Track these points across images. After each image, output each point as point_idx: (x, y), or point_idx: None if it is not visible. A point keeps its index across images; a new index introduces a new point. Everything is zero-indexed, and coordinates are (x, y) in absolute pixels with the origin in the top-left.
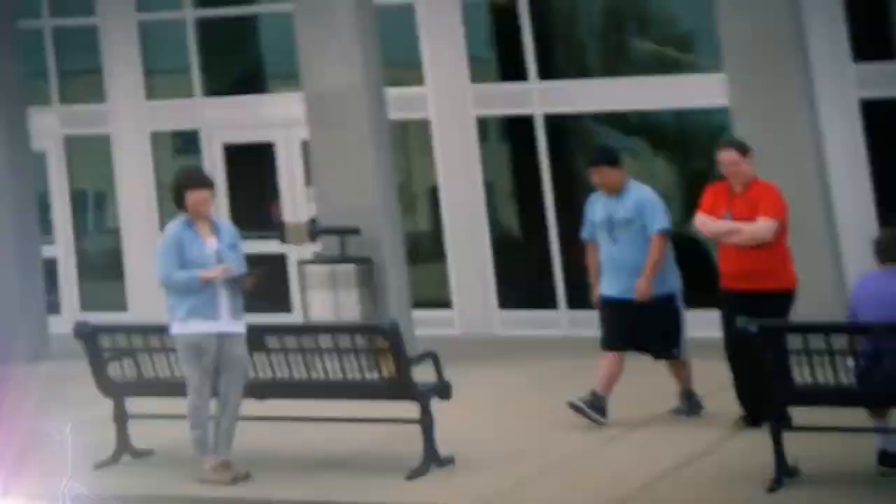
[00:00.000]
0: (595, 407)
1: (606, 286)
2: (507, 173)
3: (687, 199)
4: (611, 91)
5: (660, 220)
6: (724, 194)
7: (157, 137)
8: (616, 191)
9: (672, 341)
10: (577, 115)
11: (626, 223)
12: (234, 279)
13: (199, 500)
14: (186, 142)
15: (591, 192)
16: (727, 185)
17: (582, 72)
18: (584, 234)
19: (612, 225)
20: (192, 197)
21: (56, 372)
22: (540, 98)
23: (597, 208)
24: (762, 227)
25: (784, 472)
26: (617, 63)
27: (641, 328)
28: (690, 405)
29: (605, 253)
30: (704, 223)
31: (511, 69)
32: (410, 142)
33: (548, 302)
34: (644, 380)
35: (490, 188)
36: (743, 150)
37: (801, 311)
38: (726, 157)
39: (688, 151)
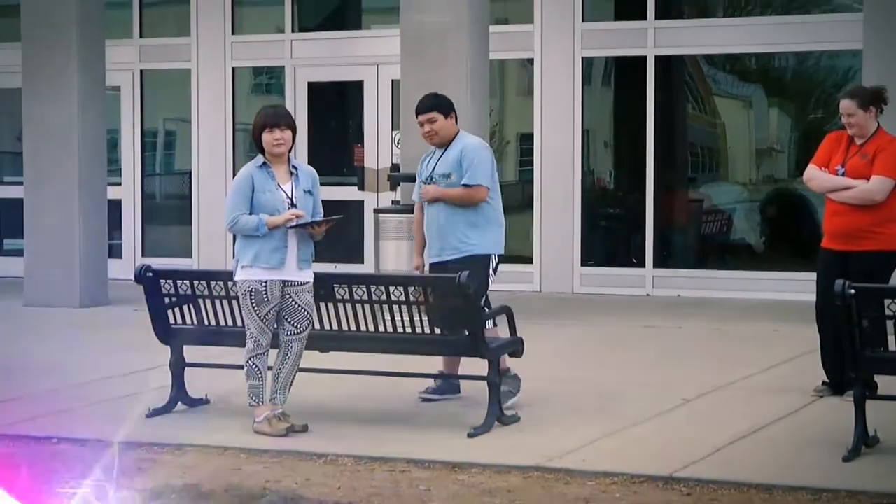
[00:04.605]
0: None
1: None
2: (608, 120)
3: (807, 153)
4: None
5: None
6: (842, 146)
7: (238, 73)
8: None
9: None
10: (691, 57)
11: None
12: (304, 226)
13: (251, 452)
14: (269, 79)
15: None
16: (848, 136)
17: (702, 12)
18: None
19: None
20: (269, 137)
21: (114, 317)
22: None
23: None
24: (874, 186)
25: (863, 441)
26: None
27: None
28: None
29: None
30: (813, 177)
31: (625, 8)
32: (508, 83)
33: (633, 261)
34: (727, 344)
35: (587, 135)
36: (864, 100)
37: None
38: (842, 105)
39: (807, 99)
